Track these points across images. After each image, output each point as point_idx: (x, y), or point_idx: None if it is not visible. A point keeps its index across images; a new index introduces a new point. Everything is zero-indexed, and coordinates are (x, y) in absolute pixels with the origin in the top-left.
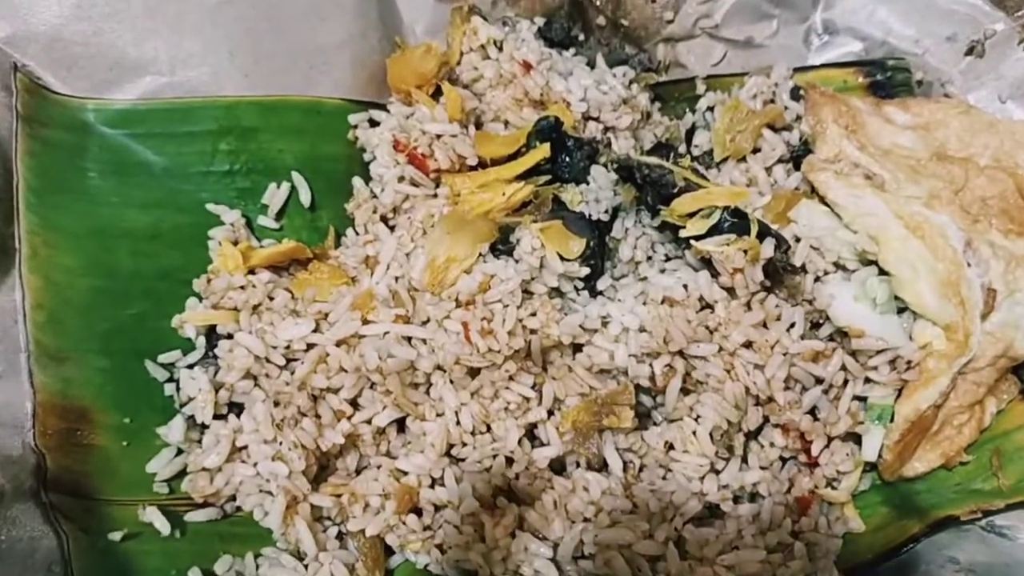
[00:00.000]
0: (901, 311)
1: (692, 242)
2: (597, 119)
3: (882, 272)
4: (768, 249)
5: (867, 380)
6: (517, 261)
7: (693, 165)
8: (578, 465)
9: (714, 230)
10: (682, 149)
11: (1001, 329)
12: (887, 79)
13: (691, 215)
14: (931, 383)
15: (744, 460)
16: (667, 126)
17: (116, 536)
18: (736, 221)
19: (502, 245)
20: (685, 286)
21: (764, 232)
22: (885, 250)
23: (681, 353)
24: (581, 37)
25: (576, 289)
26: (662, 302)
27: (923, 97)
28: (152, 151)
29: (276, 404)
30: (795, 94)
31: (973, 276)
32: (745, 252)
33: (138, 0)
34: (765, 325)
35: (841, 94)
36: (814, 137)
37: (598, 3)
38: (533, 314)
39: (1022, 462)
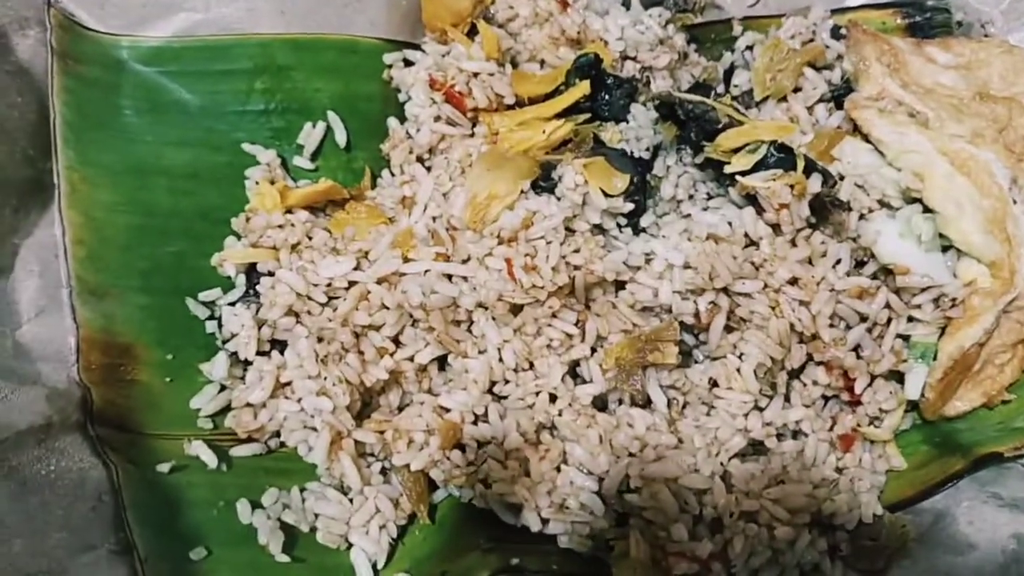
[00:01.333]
0: (946, 249)
1: (737, 177)
2: (634, 59)
3: (927, 210)
4: (815, 184)
5: (911, 318)
6: (559, 198)
7: (734, 104)
8: (621, 402)
9: (759, 165)
10: (720, 89)
11: None
12: (926, 20)
13: (736, 151)
14: (975, 321)
15: (787, 398)
16: (704, 66)
17: (164, 468)
18: (782, 156)
19: (544, 182)
20: (730, 223)
21: (810, 167)
22: (930, 187)
23: (725, 290)
24: None
25: (619, 226)
26: (707, 239)
27: (964, 37)
28: (186, 89)
29: (319, 340)
30: (835, 33)
31: (1019, 213)
32: (792, 187)
33: None
34: (810, 262)
35: (882, 34)
36: (856, 75)
37: None
38: (576, 251)
39: None
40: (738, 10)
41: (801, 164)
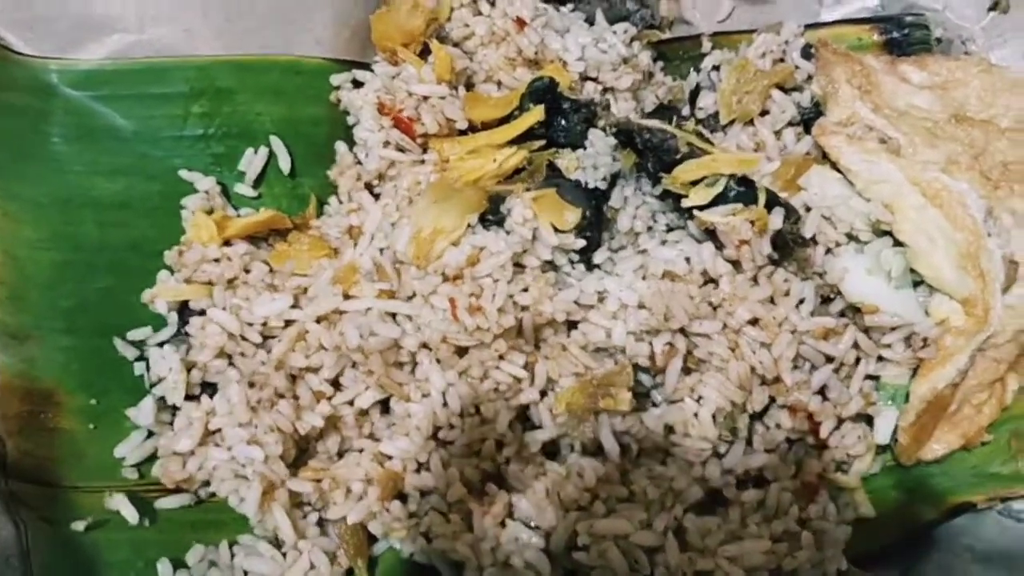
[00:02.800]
0: (917, 284)
1: (695, 212)
2: (595, 79)
3: (897, 243)
4: (777, 220)
5: (880, 359)
6: (508, 233)
7: (697, 129)
8: (572, 449)
9: (719, 199)
10: (686, 111)
11: (1022, 303)
12: (904, 36)
13: (694, 183)
14: (948, 361)
15: (749, 443)
16: (670, 87)
17: (80, 526)
18: (743, 190)
19: (492, 215)
20: (687, 259)
21: (772, 201)
22: (900, 219)
23: (683, 331)
24: None
25: (571, 262)
26: (663, 276)
27: (942, 55)
28: (120, 114)
29: (251, 385)
30: (806, 53)
31: (994, 247)
32: (752, 223)
33: None
34: (772, 301)
35: (854, 52)
36: (825, 98)
37: None
38: (525, 289)
39: None
40: (707, 26)
41: (763, 198)
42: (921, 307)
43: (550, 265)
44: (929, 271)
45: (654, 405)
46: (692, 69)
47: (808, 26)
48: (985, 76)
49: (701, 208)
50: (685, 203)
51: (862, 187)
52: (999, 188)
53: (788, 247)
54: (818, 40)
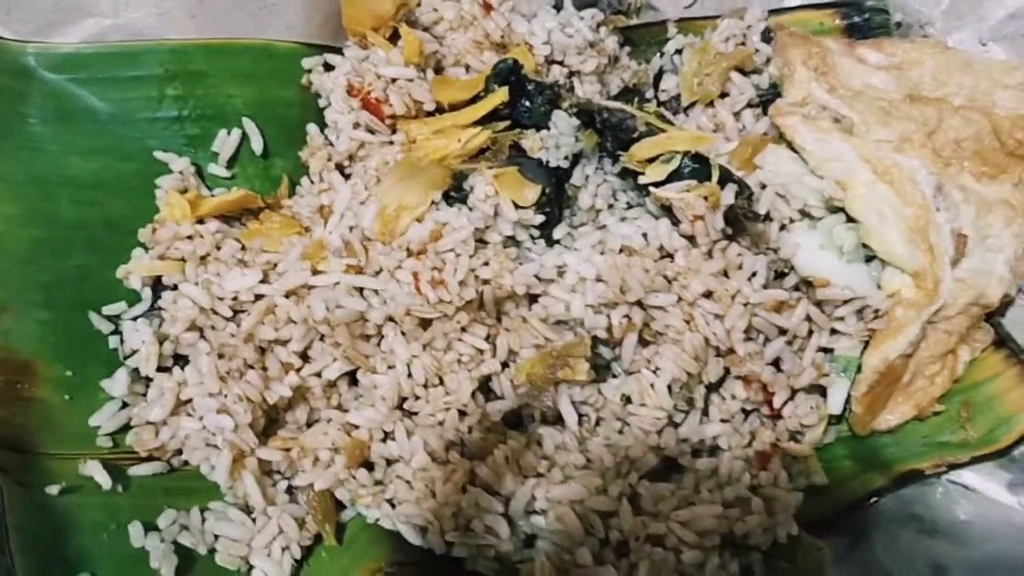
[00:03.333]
0: (869, 259)
1: (651, 189)
2: (561, 63)
3: (849, 219)
4: (729, 196)
5: (833, 331)
6: (471, 209)
7: (659, 110)
8: (533, 419)
9: (674, 176)
10: (650, 94)
11: (972, 276)
12: (864, 21)
13: (651, 161)
14: (900, 333)
15: (705, 413)
16: (635, 71)
17: (53, 490)
18: (697, 167)
19: (456, 192)
20: (644, 235)
21: (726, 178)
22: (852, 196)
23: (640, 304)
24: None
25: (532, 238)
26: (620, 251)
27: (899, 38)
28: (96, 96)
29: (221, 356)
30: (767, 36)
31: (942, 221)
32: (706, 199)
33: None
34: (726, 274)
35: (813, 35)
36: (782, 80)
37: None
38: (486, 263)
39: (991, 414)
40: (673, 11)
41: (716, 175)
42: (873, 281)
43: (512, 240)
44: (880, 245)
45: (614, 376)
46: (656, 53)
47: (771, 11)
48: (940, 56)
49: (657, 185)
50: (642, 180)
51: (815, 165)
52: (950, 165)
53: (741, 223)
54: (776, 23)
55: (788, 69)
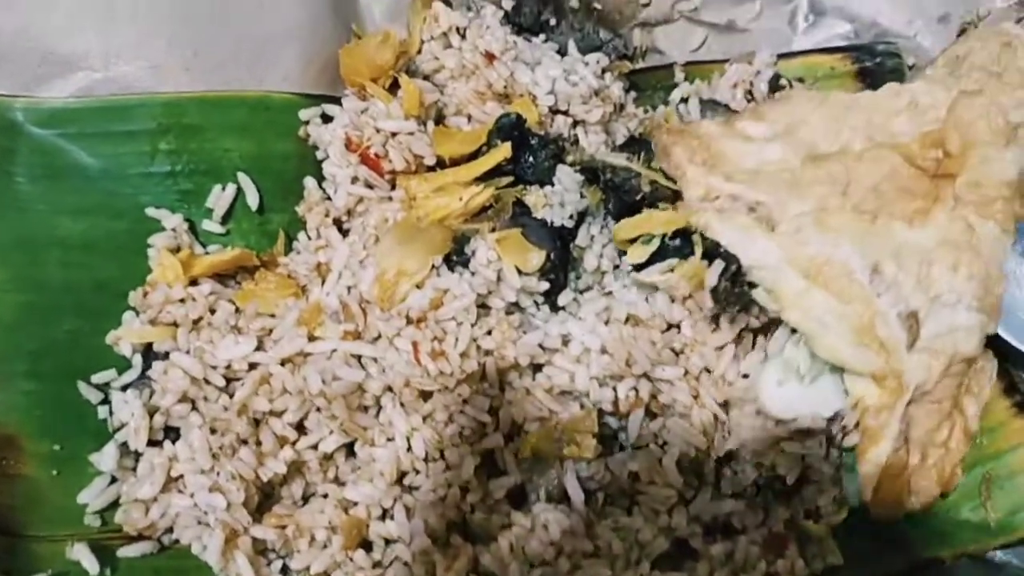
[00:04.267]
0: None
1: (633, 275)
2: (566, 112)
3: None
4: (713, 276)
5: None
6: (473, 274)
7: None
8: (538, 497)
9: (658, 254)
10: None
11: (937, 341)
12: (877, 65)
13: (633, 240)
14: (880, 437)
15: (716, 487)
16: (641, 119)
17: None
18: (678, 244)
19: (457, 256)
20: (649, 302)
21: (712, 253)
22: (787, 307)
23: (646, 375)
24: (552, 22)
25: (536, 304)
26: (626, 321)
27: (773, 99)
28: (87, 152)
29: (213, 431)
30: (774, 83)
31: (887, 308)
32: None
33: None
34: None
35: (687, 125)
36: (677, 181)
37: None
38: (489, 332)
39: (1014, 491)
40: (680, 55)
41: (699, 251)
42: (841, 391)
43: (515, 306)
44: (827, 353)
45: (621, 448)
46: (665, 100)
47: (781, 55)
48: (822, 109)
49: (640, 267)
50: (626, 260)
51: (746, 270)
52: (878, 218)
53: (740, 293)
54: (653, 123)
55: (679, 172)
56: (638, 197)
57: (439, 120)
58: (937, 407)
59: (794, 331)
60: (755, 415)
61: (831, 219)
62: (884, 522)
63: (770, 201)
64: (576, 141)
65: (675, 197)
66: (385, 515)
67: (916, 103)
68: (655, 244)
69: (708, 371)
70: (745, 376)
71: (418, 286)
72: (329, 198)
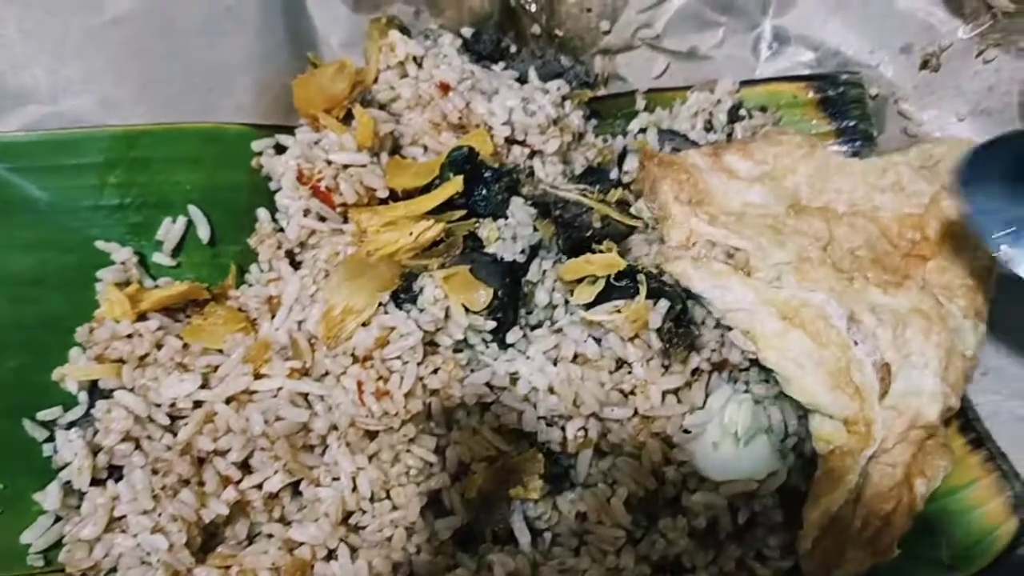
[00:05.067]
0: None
1: (579, 313)
2: (522, 143)
3: (763, 370)
4: (657, 317)
5: None
6: (421, 311)
7: (624, 194)
8: (484, 538)
9: (604, 295)
10: (614, 174)
11: (903, 400)
12: (839, 95)
13: (580, 281)
14: (840, 483)
15: (664, 529)
16: (600, 148)
17: None
18: (623, 284)
19: (405, 293)
20: (599, 340)
21: (657, 293)
22: (763, 347)
23: (595, 414)
24: (513, 49)
25: (484, 342)
26: (574, 359)
27: (763, 139)
28: (36, 186)
29: (155, 472)
30: (734, 114)
31: (863, 356)
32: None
33: (13, 24)
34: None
35: (676, 156)
36: (661, 222)
37: (532, 10)
38: (435, 371)
39: (968, 528)
40: (642, 82)
41: (643, 291)
42: (775, 452)
43: (464, 343)
44: (802, 396)
45: (570, 485)
46: (621, 132)
47: (743, 82)
48: (810, 160)
49: (588, 306)
50: (572, 301)
51: (720, 316)
52: (854, 280)
53: (685, 333)
54: (641, 147)
55: (664, 212)
56: (588, 234)
57: (395, 150)
58: (890, 471)
59: (745, 391)
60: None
61: (811, 271)
62: None
63: (750, 247)
64: (531, 173)
65: (628, 231)
66: (330, 555)
67: (901, 186)
68: (600, 284)
69: (656, 414)
70: (687, 432)
71: (364, 324)
72: (282, 230)
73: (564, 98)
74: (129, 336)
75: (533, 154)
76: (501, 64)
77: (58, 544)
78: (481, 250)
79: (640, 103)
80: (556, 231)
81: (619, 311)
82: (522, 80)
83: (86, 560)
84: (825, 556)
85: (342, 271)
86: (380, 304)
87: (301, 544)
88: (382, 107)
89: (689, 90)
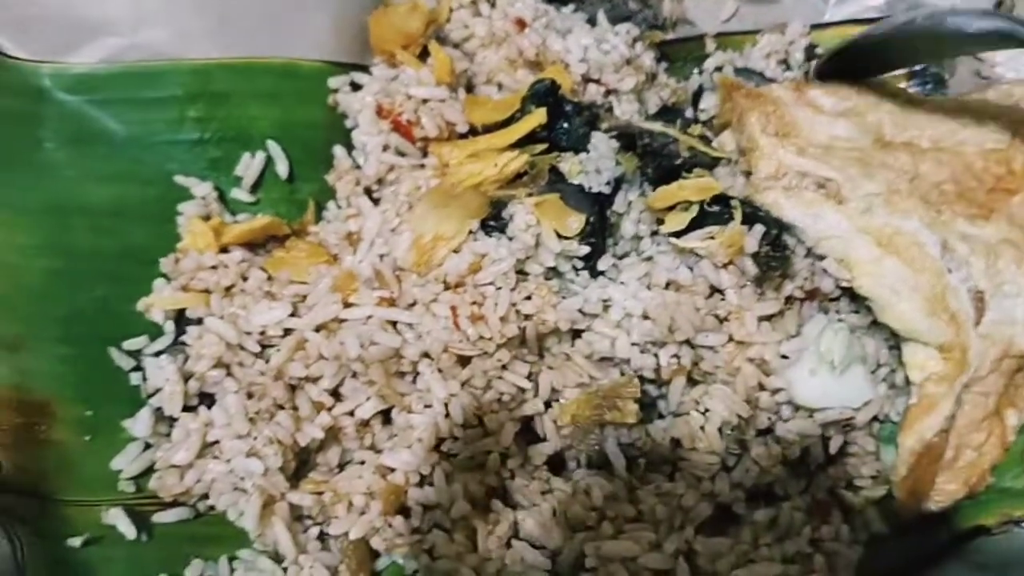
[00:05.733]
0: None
1: (671, 240)
2: (598, 81)
3: (855, 299)
4: (753, 242)
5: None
6: (510, 239)
7: (703, 132)
8: (578, 464)
9: (697, 221)
10: (689, 113)
11: (996, 328)
12: None
13: (671, 208)
14: (934, 409)
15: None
16: (673, 88)
17: (76, 542)
18: (716, 210)
19: (494, 221)
20: (692, 268)
21: (751, 218)
22: (858, 274)
23: (688, 342)
24: None
25: (575, 269)
26: (667, 286)
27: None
28: (114, 119)
29: (250, 396)
30: (811, 53)
31: (958, 283)
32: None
33: None
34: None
35: (762, 88)
36: (748, 154)
37: None
38: (528, 297)
39: None
40: (711, 26)
41: (738, 216)
42: (869, 381)
43: (554, 272)
44: (898, 323)
45: (660, 416)
46: (695, 71)
47: (814, 26)
48: (892, 99)
49: (680, 233)
50: (663, 229)
51: (813, 244)
52: (941, 213)
53: (781, 258)
54: (725, 82)
55: (751, 143)
56: (677, 162)
57: (468, 89)
58: (983, 400)
59: (839, 320)
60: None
61: (901, 202)
62: (904, 513)
63: (841, 179)
64: (610, 108)
65: (713, 163)
66: (423, 481)
67: (983, 122)
68: (694, 211)
69: (751, 340)
70: (784, 357)
71: (455, 251)
72: (359, 167)
73: (635, 40)
74: (214, 267)
75: (608, 93)
76: (570, 7)
77: (148, 471)
78: (565, 181)
79: (710, 46)
80: (642, 162)
81: (713, 237)
82: (591, 23)
83: (178, 486)
84: (917, 485)
85: (429, 200)
86: (470, 232)
87: (393, 470)
88: (455, 46)
89: (759, 33)
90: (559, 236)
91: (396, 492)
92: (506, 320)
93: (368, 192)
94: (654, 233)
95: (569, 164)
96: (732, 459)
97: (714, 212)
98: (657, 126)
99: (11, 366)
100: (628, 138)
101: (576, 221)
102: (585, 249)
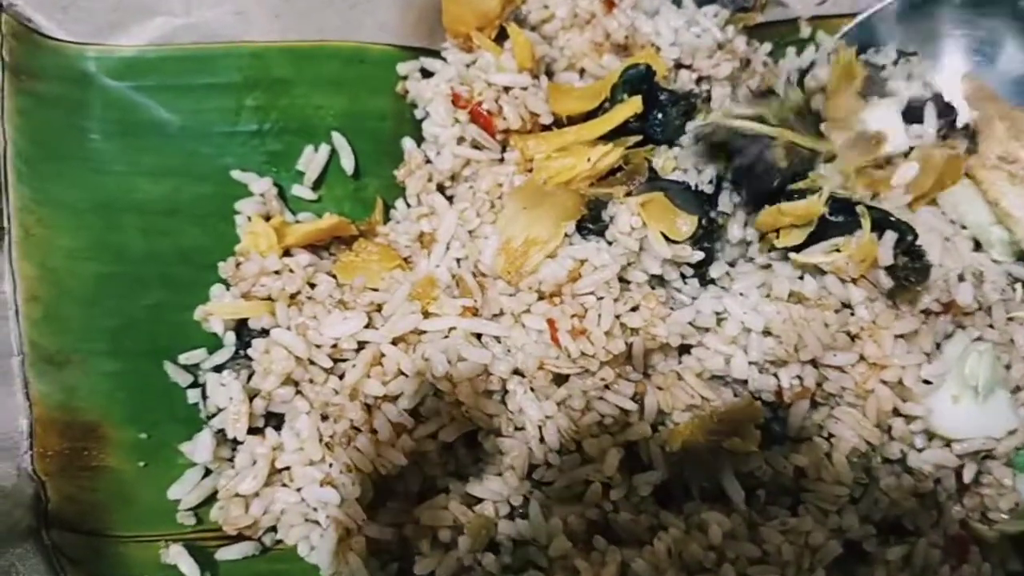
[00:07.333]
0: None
1: (791, 256)
2: (690, 67)
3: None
4: (888, 252)
5: None
6: (611, 243)
7: (801, 104)
8: (690, 496)
9: (815, 236)
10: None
11: None
12: None
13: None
14: None
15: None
16: (761, 73)
17: None
18: (840, 219)
19: (592, 223)
20: (815, 277)
21: (881, 223)
22: None
23: (812, 361)
24: None
25: (683, 277)
26: (789, 298)
27: None
28: (165, 107)
29: (324, 417)
30: None
31: None
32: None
33: None
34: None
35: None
36: (978, 130)
37: None
38: (634, 309)
39: None
40: (804, 8)
41: (867, 225)
42: (1012, 407)
43: (657, 280)
44: None
45: (775, 442)
46: (796, 54)
47: None
48: None
49: (797, 248)
50: (778, 244)
51: (1021, 236)
52: None
53: (920, 268)
54: (964, 76)
55: (985, 121)
56: (774, 184)
57: (548, 76)
58: None
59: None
60: None
61: None
62: None
63: None
64: (708, 98)
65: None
66: (514, 513)
67: None
68: (812, 225)
69: (886, 361)
70: (927, 383)
71: (551, 256)
72: (429, 161)
73: (725, 23)
74: (278, 272)
75: (700, 80)
76: None
77: (210, 499)
78: (659, 177)
79: (805, 30)
80: (736, 185)
81: (838, 250)
82: (677, 4)
83: (243, 517)
84: None
85: (517, 199)
86: (565, 235)
87: (482, 500)
88: (533, 28)
89: (856, 16)
90: (667, 240)
91: (487, 526)
92: (611, 334)
93: (440, 189)
94: (763, 237)
95: (663, 159)
96: (858, 490)
97: (838, 222)
98: (747, 124)
99: (56, 383)
100: (719, 145)
101: (686, 223)
102: (699, 255)
